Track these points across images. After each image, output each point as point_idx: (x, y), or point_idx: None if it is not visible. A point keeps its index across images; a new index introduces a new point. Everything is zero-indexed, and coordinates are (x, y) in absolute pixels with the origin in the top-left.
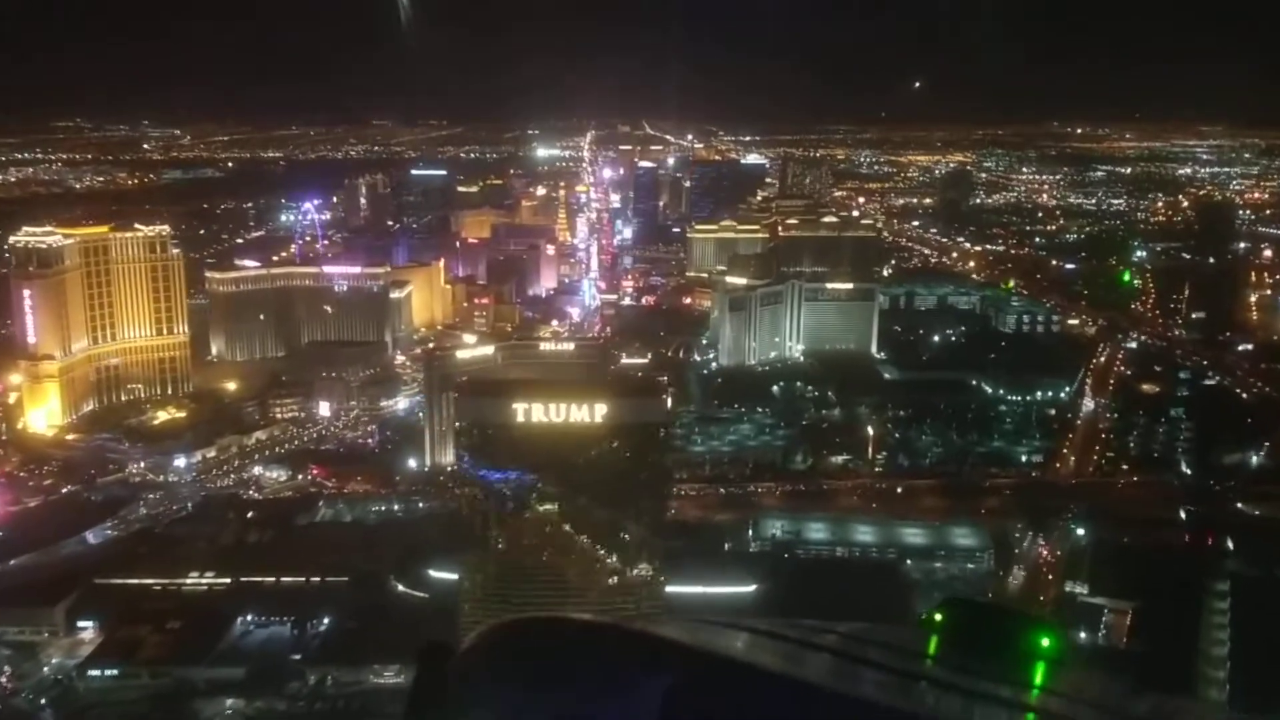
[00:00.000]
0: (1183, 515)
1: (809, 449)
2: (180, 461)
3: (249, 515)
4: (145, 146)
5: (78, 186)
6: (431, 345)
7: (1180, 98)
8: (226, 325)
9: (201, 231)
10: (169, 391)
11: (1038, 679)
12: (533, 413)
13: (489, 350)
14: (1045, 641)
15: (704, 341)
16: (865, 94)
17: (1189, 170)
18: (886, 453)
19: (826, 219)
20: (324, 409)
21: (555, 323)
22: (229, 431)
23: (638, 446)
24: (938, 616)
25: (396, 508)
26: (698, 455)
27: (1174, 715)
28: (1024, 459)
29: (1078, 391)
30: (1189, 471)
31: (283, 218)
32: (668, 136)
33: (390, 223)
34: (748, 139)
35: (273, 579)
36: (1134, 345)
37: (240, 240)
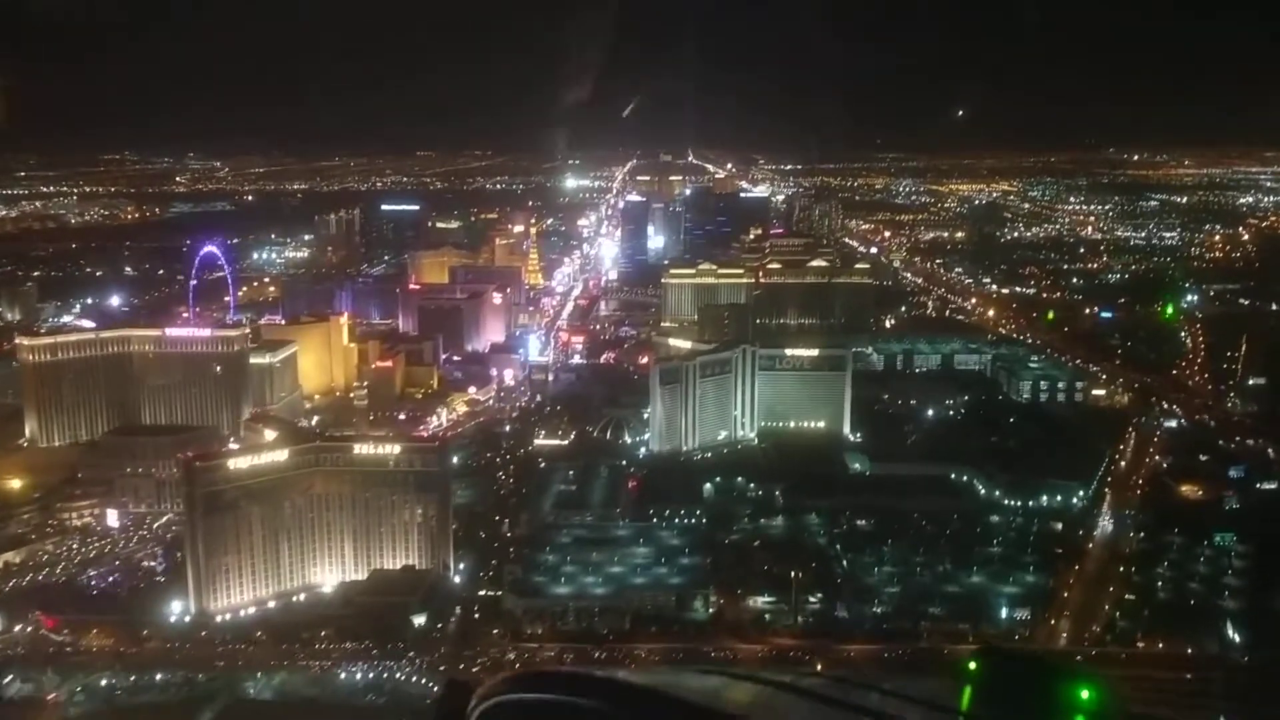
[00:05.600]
0: None
1: (715, 590)
2: None
3: None
4: (178, 179)
5: (73, 221)
6: (191, 452)
7: (1245, 121)
8: (42, 402)
9: (160, 271)
10: None
11: None
12: None
13: (281, 456)
14: (1085, 694)
15: (645, 416)
16: (916, 121)
17: (1251, 199)
18: (823, 594)
19: (815, 263)
20: (112, 519)
21: (473, 389)
22: None
23: None
24: (971, 666)
25: (114, 683)
26: (560, 600)
27: None
28: (1007, 611)
29: (1095, 496)
30: (1235, 636)
31: (256, 256)
32: (708, 165)
33: (365, 265)
34: (788, 167)
35: None
36: (1174, 424)
37: (194, 281)
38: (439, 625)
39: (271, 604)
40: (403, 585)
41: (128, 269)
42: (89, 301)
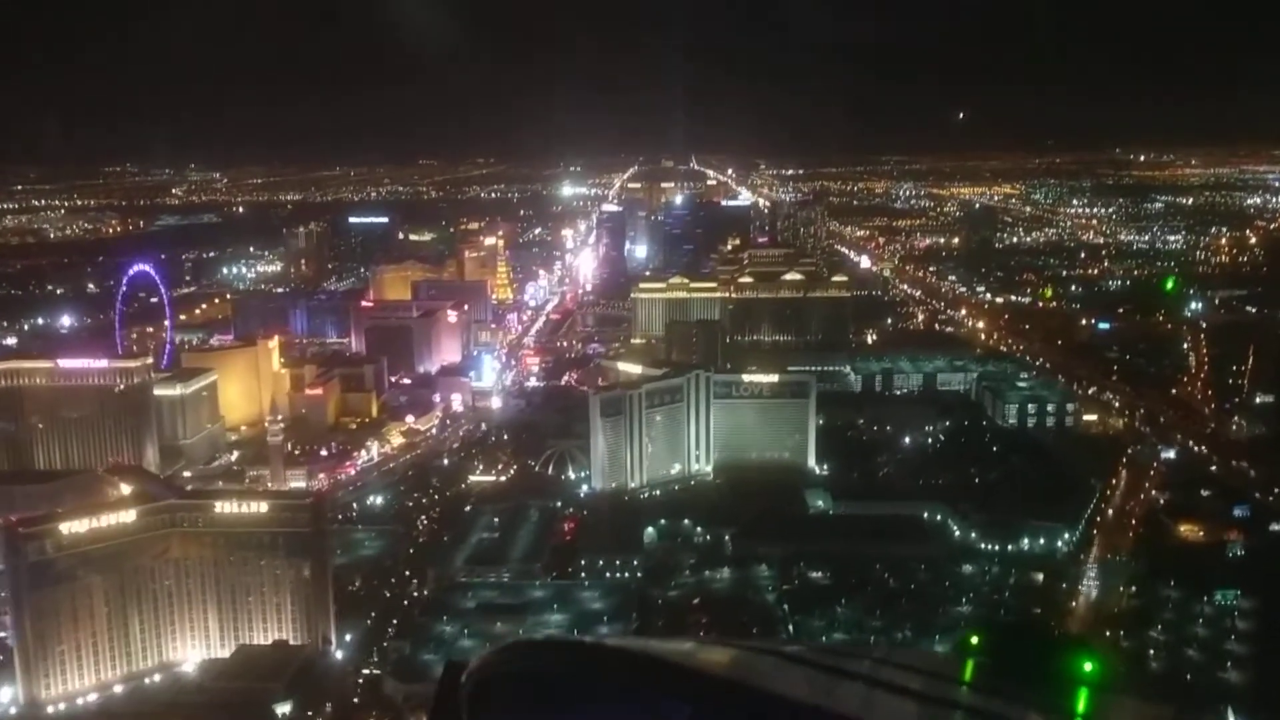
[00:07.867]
0: None
1: None
2: None
3: None
4: (174, 191)
5: (53, 236)
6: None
7: (1252, 118)
8: None
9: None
10: None
11: (1079, 705)
12: None
13: (128, 516)
14: (1087, 666)
15: None
16: (920, 123)
17: (1259, 199)
18: None
19: (789, 276)
20: None
21: (411, 418)
22: None
23: None
24: (974, 639)
25: None
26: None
27: None
28: None
29: (1083, 540)
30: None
31: (226, 270)
32: (709, 171)
33: (331, 281)
34: (790, 172)
35: None
36: (1173, 453)
37: (122, 304)
38: (310, 714)
39: (118, 688)
40: (268, 666)
41: (90, 286)
42: (39, 322)
